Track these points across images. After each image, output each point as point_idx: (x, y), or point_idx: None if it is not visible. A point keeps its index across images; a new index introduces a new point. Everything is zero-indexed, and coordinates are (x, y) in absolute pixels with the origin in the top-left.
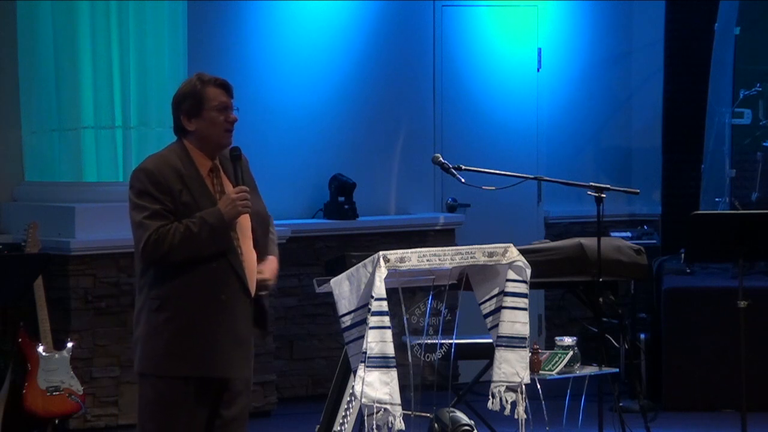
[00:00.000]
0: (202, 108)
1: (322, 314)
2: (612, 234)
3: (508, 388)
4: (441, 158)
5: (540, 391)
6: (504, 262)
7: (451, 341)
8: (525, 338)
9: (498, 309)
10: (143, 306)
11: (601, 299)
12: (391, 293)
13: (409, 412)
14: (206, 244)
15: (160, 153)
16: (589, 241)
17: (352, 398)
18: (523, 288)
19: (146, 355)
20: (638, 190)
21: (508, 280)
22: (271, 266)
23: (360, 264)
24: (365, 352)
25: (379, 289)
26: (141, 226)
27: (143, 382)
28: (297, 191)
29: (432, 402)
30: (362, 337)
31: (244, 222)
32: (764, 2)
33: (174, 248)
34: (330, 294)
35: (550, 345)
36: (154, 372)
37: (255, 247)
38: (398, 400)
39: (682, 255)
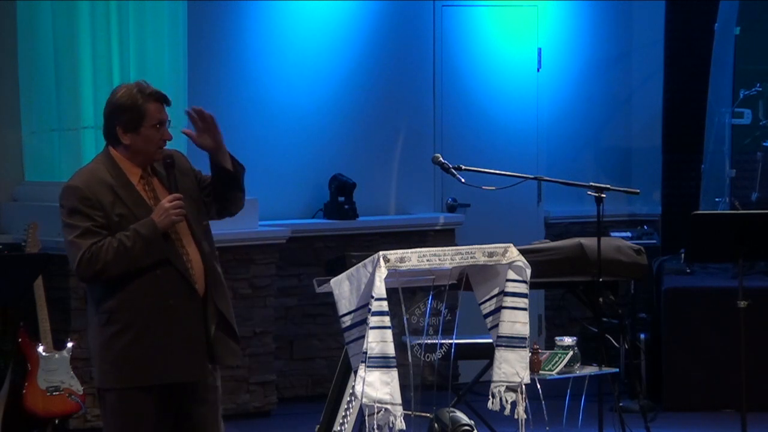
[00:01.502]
0: (140, 125)
1: (322, 314)
2: (612, 234)
3: (508, 388)
4: (441, 158)
5: (540, 391)
6: (504, 262)
7: (451, 341)
8: (525, 338)
9: (498, 309)
10: (92, 322)
11: (601, 299)
12: (391, 293)
13: (409, 412)
14: (141, 255)
15: (88, 167)
16: (589, 241)
17: (352, 398)
18: (523, 288)
19: (102, 369)
20: (638, 190)
21: (508, 280)
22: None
23: (360, 264)
24: (365, 352)
25: (379, 289)
26: (73, 246)
27: (104, 397)
28: (297, 191)
29: (432, 402)
30: (362, 337)
31: (182, 224)
32: (764, 2)
33: (108, 264)
34: (330, 294)
35: (550, 345)
36: (113, 385)
37: (198, 246)
38: (399, 400)
39: (682, 255)
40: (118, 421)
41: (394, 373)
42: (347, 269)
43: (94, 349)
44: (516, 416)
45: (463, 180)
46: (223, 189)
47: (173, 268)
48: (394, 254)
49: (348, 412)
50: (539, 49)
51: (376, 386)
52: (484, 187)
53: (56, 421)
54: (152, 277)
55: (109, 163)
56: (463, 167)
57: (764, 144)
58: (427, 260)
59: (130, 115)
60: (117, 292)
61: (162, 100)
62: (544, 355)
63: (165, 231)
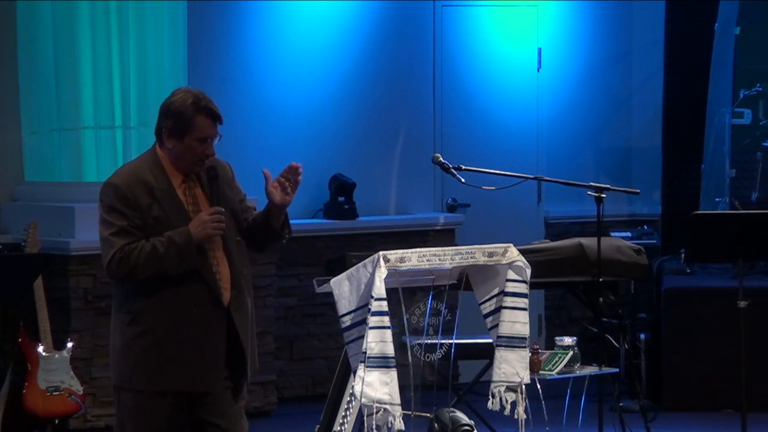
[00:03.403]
0: (185, 134)
1: (322, 314)
2: (612, 234)
3: (508, 388)
4: (441, 158)
5: (540, 391)
6: (504, 262)
7: (451, 341)
8: (525, 338)
9: (498, 309)
10: (116, 320)
11: (601, 299)
12: (391, 293)
13: (409, 412)
14: (173, 263)
15: (132, 164)
16: (589, 241)
17: (352, 398)
18: (523, 288)
19: (120, 368)
20: (638, 190)
21: (508, 280)
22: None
23: (360, 264)
24: (365, 352)
25: (379, 289)
26: (107, 243)
27: (120, 395)
28: (297, 191)
29: (432, 402)
30: (362, 337)
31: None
32: (764, 2)
33: (139, 267)
34: (330, 294)
35: (550, 345)
36: (130, 386)
37: (229, 260)
38: (398, 400)
39: (682, 255)
40: (131, 422)
41: (394, 373)
42: (347, 269)
43: (114, 346)
44: (516, 416)
45: (463, 180)
46: (260, 236)
47: (200, 277)
48: (394, 254)
49: (348, 412)
50: (539, 49)
51: (376, 386)
52: (484, 187)
53: (56, 421)
54: (180, 284)
55: (153, 162)
56: (463, 167)
57: (764, 144)
58: (427, 260)
59: (178, 122)
60: (144, 295)
61: (214, 117)
62: (544, 355)
63: (200, 243)
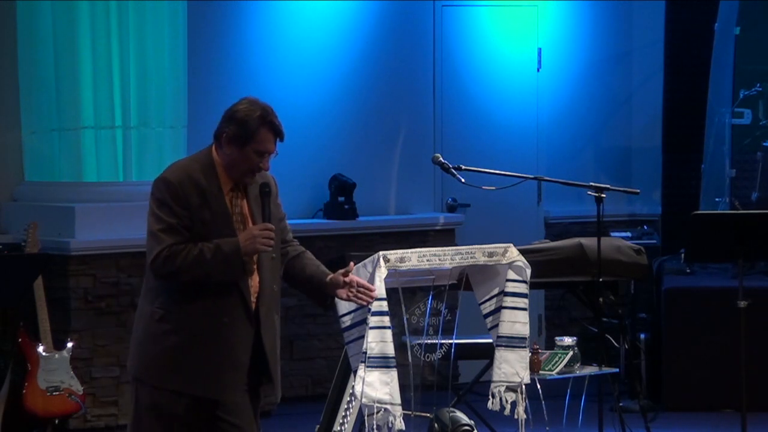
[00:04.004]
0: (246, 143)
1: (322, 314)
2: (612, 234)
3: (508, 388)
4: (441, 158)
5: (540, 391)
6: (504, 262)
7: (451, 341)
8: (525, 338)
9: (498, 309)
10: (145, 311)
11: (601, 299)
12: (391, 293)
13: (409, 412)
14: (217, 271)
15: (186, 162)
16: (589, 241)
17: (352, 398)
18: (523, 288)
19: (142, 361)
20: (638, 190)
21: (508, 280)
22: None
23: (360, 264)
24: (365, 352)
25: (379, 289)
26: (155, 238)
27: (138, 388)
28: (297, 191)
29: (432, 402)
30: (362, 337)
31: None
32: (764, 2)
33: (183, 269)
34: None
35: (550, 345)
36: (149, 380)
37: (260, 274)
38: (398, 400)
39: (682, 255)
40: (146, 417)
41: (394, 373)
42: None
43: (138, 337)
44: (516, 416)
45: (463, 180)
46: (300, 287)
47: (238, 290)
48: (394, 254)
49: (348, 412)
50: (539, 49)
51: (376, 386)
52: (484, 187)
53: (56, 421)
54: (216, 292)
55: (207, 163)
56: (463, 167)
57: (764, 144)
58: (427, 260)
59: (240, 130)
60: (179, 294)
61: (277, 133)
62: (544, 355)
63: (248, 256)
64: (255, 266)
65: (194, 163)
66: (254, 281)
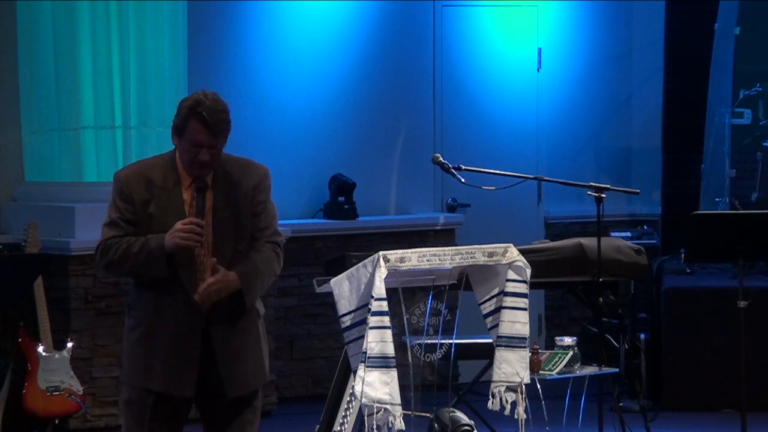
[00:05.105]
0: (181, 135)
1: (322, 314)
2: (612, 234)
3: (508, 388)
4: (441, 158)
5: (540, 391)
6: (504, 262)
7: (451, 341)
8: (525, 338)
9: (498, 309)
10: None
11: (601, 299)
12: (391, 293)
13: (409, 412)
14: (142, 267)
15: (146, 160)
16: (589, 241)
17: (352, 398)
18: (523, 288)
19: (121, 361)
20: (638, 190)
21: (508, 280)
22: (220, 277)
23: (360, 264)
24: (365, 352)
25: (379, 289)
26: (101, 231)
27: (120, 387)
28: (297, 191)
29: (432, 402)
30: (362, 337)
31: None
32: (764, 2)
33: (113, 263)
34: (330, 294)
35: (550, 345)
36: (123, 377)
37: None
38: (398, 400)
39: (682, 255)
40: (125, 414)
41: (394, 373)
42: (347, 269)
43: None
44: (516, 416)
45: (463, 180)
46: None
47: (181, 283)
48: (394, 254)
49: (348, 412)
50: (539, 49)
51: (376, 386)
52: (484, 187)
53: (56, 421)
54: (164, 287)
55: (169, 159)
56: (463, 167)
57: (764, 144)
58: (427, 260)
59: (177, 121)
60: (138, 289)
61: (206, 125)
62: (544, 355)
63: (171, 252)
64: (212, 261)
65: (158, 159)
66: (209, 275)
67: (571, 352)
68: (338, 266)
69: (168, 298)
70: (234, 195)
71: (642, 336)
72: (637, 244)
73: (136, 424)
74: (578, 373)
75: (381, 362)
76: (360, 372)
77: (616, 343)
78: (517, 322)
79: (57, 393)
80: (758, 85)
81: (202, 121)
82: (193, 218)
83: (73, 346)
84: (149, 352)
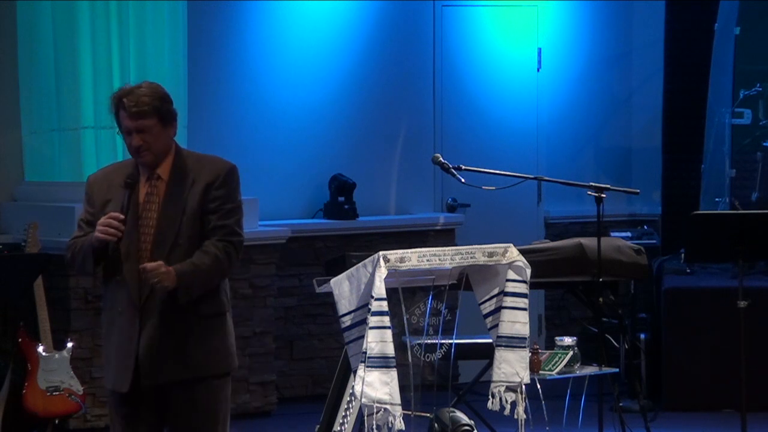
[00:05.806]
0: (119, 126)
1: (322, 314)
2: (612, 234)
3: (508, 388)
4: (441, 158)
5: (540, 391)
6: (504, 262)
7: (451, 341)
8: (525, 338)
9: (498, 309)
10: None
11: (601, 299)
12: (391, 293)
13: (409, 412)
14: (80, 263)
15: (121, 161)
16: (589, 241)
17: (352, 398)
18: (523, 288)
19: None
20: (638, 190)
21: (508, 280)
22: (159, 264)
23: (360, 264)
24: (365, 352)
25: (379, 289)
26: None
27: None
28: (297, 191)
29: (432, 402)
30: (362, 337)
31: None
32: (764, 2)
33: (70, 263)
34: (330, 294)
35: (550, 345)
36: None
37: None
38: (398, 400)
39: (682, 255)
40: (109, 411)
41: (394, 373)
42: (347, 269)
43: None
44: (516, 416)
45: (463, 180)
46: None
47: (124, 281)
48: (394, 254)
49: (348, 412)
50: (539, 49)
51: (376, 386)
52: (484, 187)
53: (56, 421)
54: (114, 283)
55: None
56: (463, 167)
57: (764, 144)
58: (427, 260)
59: (114, 117)
60: (103, 289)
61: (126, 108)
62: (544, 355)
63: (99, 246)
64: (150, 255)
65: (128, 161)
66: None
67: (571, 352)
68: (338, 266)
69: (118, 296)
70: (183, 189)
71: (642, 336)
72: (637, 244)
73: (112, 423)
74: (578, 373)
75: (381, 362)
76: (360, 372)
77: (616, 343)
78: (517, 322)
79: (57, 393)
80: (758, 85)
81: (124, 107)
82: (115, 213)
83: (73, 346)
84: (107, 349)
